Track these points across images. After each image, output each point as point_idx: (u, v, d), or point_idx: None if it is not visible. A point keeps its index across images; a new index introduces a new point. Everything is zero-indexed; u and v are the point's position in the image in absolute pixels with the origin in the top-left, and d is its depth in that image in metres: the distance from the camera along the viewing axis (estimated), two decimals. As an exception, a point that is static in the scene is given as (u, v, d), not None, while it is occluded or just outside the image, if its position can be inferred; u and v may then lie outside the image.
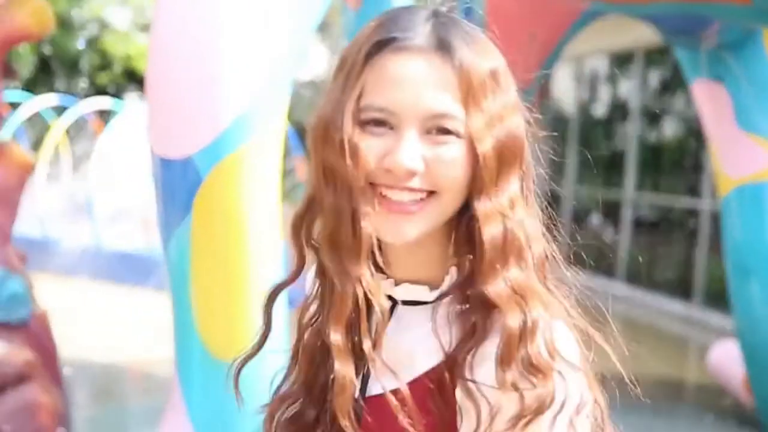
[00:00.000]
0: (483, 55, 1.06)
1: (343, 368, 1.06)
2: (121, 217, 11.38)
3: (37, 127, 13.93)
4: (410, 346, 1.08)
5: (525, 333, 1.00)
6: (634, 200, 10.86)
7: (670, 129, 10.92)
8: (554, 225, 1.14)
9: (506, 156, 1.05)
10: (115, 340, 7.29)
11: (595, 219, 11.83)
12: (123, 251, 10.33)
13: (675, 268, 10.13)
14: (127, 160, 11.97)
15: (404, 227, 1.04)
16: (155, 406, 4.61)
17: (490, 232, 1.03)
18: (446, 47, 1.04)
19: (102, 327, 7.69)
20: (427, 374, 1.05)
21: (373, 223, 1.04)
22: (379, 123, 1.03)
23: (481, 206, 1.04)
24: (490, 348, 1.01)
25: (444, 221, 1.07)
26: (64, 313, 5.04)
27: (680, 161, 10.43)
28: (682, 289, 9.79)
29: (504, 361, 0.99)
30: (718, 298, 8.73)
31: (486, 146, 1.03)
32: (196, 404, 3.13)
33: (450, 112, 1.03)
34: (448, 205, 1.05)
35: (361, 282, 1.07)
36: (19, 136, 11.78)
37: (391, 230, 1.04)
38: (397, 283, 1.11)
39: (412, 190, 1.03)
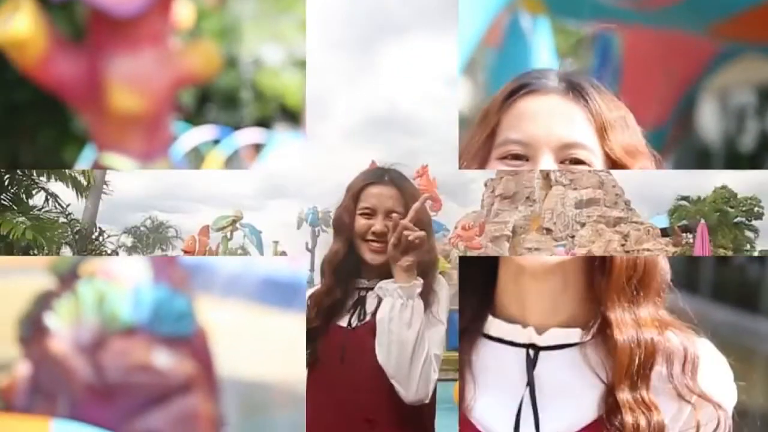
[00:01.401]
0: (611, 101, 1.14)
1: None
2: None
3: (193, 156, 14.59)
4: (568, 391, 1.09)
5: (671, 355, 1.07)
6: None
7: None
8: None
9: None
10: (263, 358, 7.64)
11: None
12: (271, 275, 10.71)
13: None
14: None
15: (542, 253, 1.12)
16: (299, 420, 4.89)
17: (619, 259, 1.08)
18: (577, 88, 1.13)
19: (250, 345, 8.07)
20: (598, 419, 1.06)
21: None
22: (517, 157, 1.11)
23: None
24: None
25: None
26: (219, 331, 5.39)
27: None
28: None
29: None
30: None
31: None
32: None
33: (581, 142, 1.09)
34: None
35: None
36: (178, 166, 12.35)
37: (529, 256, 1.12)
38: (539, 330, 1.12)
39: None
